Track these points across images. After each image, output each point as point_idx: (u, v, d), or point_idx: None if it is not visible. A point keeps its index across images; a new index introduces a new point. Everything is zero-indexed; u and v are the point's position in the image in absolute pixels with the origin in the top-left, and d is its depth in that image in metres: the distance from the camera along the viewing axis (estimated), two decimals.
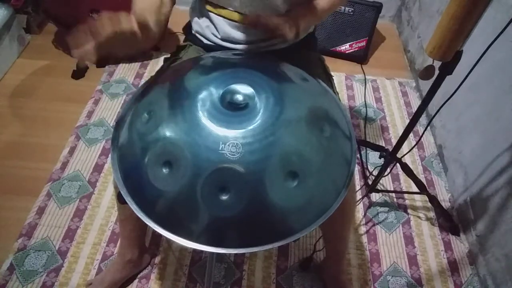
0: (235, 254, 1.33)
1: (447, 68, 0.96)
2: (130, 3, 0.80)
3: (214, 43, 0.99)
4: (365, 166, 1.62)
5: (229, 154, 0.60)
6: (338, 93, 1.00)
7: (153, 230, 0.63)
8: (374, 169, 1.59)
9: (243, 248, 0.66)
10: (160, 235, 1.21)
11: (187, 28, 1.07)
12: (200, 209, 0.62)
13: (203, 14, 0.97)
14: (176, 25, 2.15)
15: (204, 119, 0.62)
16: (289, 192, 0.63)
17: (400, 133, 1.21)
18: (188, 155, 0.61)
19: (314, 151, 0.66)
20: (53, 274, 1.25)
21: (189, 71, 0.75)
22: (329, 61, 1.07)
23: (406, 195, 1.56)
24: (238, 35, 0.93)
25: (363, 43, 2.10)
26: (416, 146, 1.58)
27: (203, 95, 0.66)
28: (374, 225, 1.46)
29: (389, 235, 1.44)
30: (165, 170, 0.63)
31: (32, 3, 1.97)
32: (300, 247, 1.38)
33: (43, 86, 1.86)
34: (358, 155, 1.63)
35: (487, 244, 1.31)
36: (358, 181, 1.59)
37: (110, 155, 0.78)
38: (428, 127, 1.82)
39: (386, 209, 1.51)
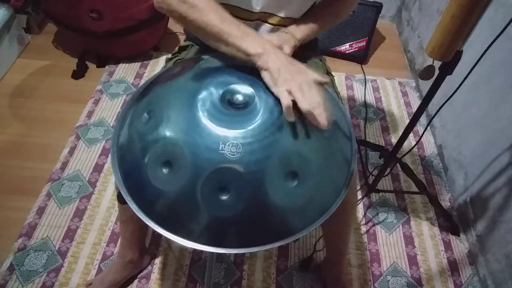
0: (235, 254, 1.33)
1: (447, 68, 0.95)
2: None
3: None
4: (365, 166, 1.62)
5: (229, 154, 0.60)
6: (339, 93, 1.00)
7: (153, 230, 0.63)
8: (374, 169, 1.59)
9: (243, 248, 0.66)
10: (160, 235, 1.21)
11: None
12: (200, 209, 0.62)
13: None
14: (176, 25, 2.15)
15: (204, 119, 0.62)
16: (289, 192, 0.63)
17: (400, 133, 1.21)
18: (188, 155, 0.61)
19: (314, 151, 0.65)
20: (53, 274, 1.25)
21: (189, 71, 0.75)
22: (329, 61, 1.07)
23: (406, 195, 1.56)
24: None
25: (363, 43, 2.10)
26: (416, 146, 1.58)
27: (203, 95, 0.65)
28: (374, 225, 1.46)
29: (389, 235, 1.44)
30: (165, 170, 0.63)
31: (32, 3, 1.97)
32: (300, 247, 1.38)
33: (43, 86, 1.86)
34: (358, 155, 1.63)
35: (487, 244, 1.31)
36: (358, 181, 1.59)
37: (110, 155, 0.78)
38: (428, 127, 1.82)
39: (386, 209, 1.51)
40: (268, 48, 0.68)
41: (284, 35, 0.83)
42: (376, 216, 1.49)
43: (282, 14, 0.88)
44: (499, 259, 1.23)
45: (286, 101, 0.62)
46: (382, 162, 1.36)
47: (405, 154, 1.33)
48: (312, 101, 0.63)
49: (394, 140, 1.77)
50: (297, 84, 0.64)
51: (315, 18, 0.90)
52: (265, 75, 0.67)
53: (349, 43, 2.12)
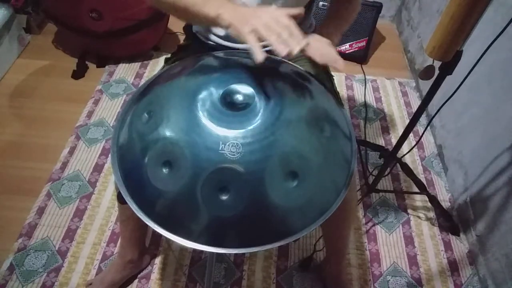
0: (235, 254, 1.33)
1: (447, 68, 0.95)
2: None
3: (215, 42, 0.98)
4: (365, 166, 1.62)
5: (229, 154, 0.60)
6: (339, 93, 1.00)
7: (153, 230, 0.63)
8: (374, 169, 1.59)
9: (243, 248, 0.66)
10: (160, 235, 1.21)
11: (188, 27, 1.07)
12: (200, 209, 0.62)
13: None
14: (176, 24, 2.15)
15: (204, 119, 0.62)
16: (289, 192, 0.63)
17: (400, 133, 1.21)
18: (188, 155, 0.61)
19: (314, 151, 0.65)
20: (53, 274, 1.25)
21: (189, 71, 0.75)
22: None
23: (406, 195, 1.56)
24: None
25: (363, 43, 2.10)
26: (416, 146, 1.58)
27: (203, 95, 0.65)
28: (374, 225, 1.46)
29: (389, 235, 1.44)
30: (165, 170, 0.63)
31: (32, 3, 1.97)
32: (300, 247, 1.38)
33: (43, 86, 1.86)
34: (358, 155, 1.63)
35: (487, 244, 1.31)
36: (358, 181, 1.59)
37: (110, 155, 0.78)
38: (428, 127, 1.82)
39: (386, 209, 1.51)
40: (228, 5, 0.66)
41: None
42: (376, 216, 1.49)
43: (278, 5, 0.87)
44: (499, 259, 1.23)
45: (252, 43, 0.59)
46: (382, 162, 1.36)
47: (405, 154, 1.33)
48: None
49: (394, 140, 1.77)
50: (261, 22, 0.61)
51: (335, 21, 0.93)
52: (231, 32, 0.64)
53: (349, 43, 2.12)
